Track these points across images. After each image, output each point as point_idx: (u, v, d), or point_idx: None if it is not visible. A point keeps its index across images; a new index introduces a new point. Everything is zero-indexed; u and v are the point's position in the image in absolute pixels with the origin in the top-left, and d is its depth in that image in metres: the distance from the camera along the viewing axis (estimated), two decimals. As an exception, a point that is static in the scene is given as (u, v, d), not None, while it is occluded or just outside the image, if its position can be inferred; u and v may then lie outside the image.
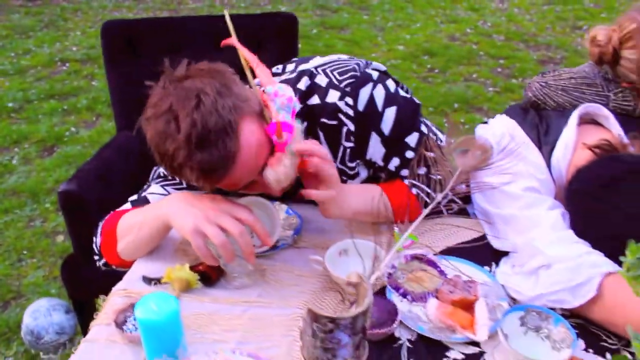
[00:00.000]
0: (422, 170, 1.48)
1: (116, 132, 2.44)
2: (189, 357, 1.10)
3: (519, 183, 1.38)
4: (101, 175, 2.11)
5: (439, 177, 1.43)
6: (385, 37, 5.91)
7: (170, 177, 1.53)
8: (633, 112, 1.50)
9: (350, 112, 1.43)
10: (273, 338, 1.19)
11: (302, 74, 1.47)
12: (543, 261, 1.26)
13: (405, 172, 1.51)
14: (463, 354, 1.16)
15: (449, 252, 1.44)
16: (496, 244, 1.42)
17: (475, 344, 1.18)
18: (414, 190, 1.49)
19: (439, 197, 1.43)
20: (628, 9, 1.50)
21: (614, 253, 1.17)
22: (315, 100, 1.44)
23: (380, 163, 1.51)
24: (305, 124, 1.45)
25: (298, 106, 1.23)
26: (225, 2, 6.94)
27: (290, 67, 1.52)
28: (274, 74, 1.52)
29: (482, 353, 1.17)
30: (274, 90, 1.25)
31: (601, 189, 1.27)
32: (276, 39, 2.38)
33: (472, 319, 1.20)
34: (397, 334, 1.20)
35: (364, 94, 1.43)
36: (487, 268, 1.38)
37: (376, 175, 1.56)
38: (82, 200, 1.94)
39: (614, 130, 1.43)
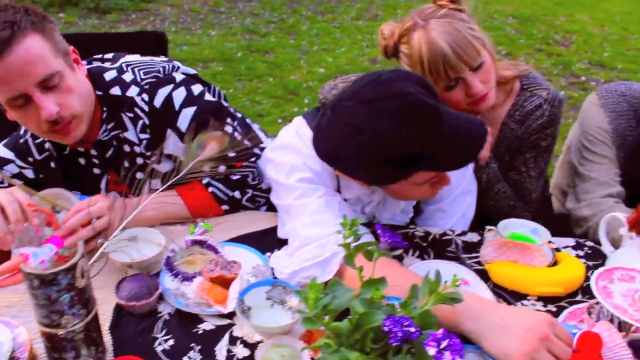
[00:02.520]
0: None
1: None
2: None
3: (294, 175, 1.52)
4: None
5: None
6: (308, 60, 6.11)
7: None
8: None
9: (146, 107, 1.61)
10: (43, 312, 1.31)
11: (112, 68, 1.64)
12: (300, 242, 1.41)
13: (206, 168, 1.65)
14: (215, 325, 1.31)
15: (240, 239, 1.58)
16: (279, 232, 1.57)
17: (229, 316, 1.32)
18: (210, 189, 1.64)
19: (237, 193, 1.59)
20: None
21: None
22: (116, 91, 1.61)
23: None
24: (106, 109, 1.61)
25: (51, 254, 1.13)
26: (158, 27, 7.09)
27: (108, 56, 1.71)
28: (96, 59, 1.69)
29: (232, 325, 1.31)
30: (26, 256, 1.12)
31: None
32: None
33: (227, 295, 1.34)
34: (160, 309, 1.34)
35: (162, 93, 1.60)
36: (268, 254, 1.52)
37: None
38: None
39: None
